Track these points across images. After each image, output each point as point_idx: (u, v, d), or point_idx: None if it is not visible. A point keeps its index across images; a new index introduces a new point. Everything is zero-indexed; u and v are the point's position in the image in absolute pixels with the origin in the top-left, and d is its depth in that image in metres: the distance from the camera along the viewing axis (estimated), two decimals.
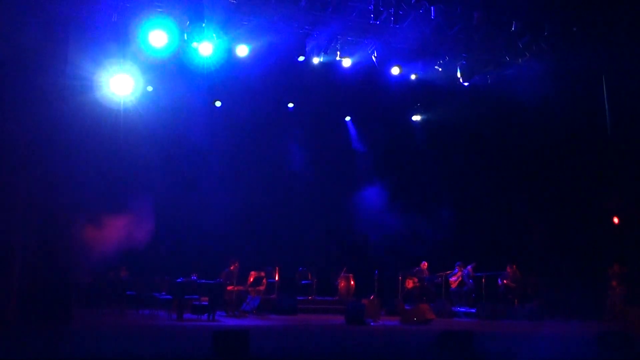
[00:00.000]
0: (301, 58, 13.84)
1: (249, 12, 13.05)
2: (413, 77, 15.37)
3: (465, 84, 15.24)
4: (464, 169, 18.09)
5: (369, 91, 16.75)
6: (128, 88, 13.49)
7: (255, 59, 13.89)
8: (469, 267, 16.90)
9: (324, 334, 11.62)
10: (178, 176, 16.77)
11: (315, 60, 14.54)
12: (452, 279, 17.14)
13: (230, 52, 13.59)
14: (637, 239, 15.22)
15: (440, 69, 15.19)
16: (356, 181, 18.79)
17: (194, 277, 13.34)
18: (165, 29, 12.55)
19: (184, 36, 12.71)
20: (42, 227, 10.74)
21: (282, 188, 18.47)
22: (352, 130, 19.85)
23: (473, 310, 15.75)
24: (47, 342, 8.75)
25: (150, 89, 15.49)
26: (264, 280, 15.22)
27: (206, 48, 12.96)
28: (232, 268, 14.67)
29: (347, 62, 14.52)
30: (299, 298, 15.91)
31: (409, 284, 17.14)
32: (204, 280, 13.33)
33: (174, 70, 14.45)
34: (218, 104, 17.20)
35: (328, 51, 14.27)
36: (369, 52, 14.47)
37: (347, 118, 19.73)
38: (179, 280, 13.19)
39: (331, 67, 14.90)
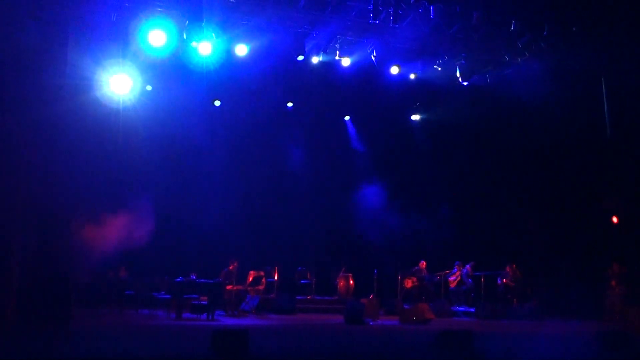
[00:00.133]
0: (300, 57, 13.80)
1: (248, 11, 13.03)
2: (412, 76, 15.33)
3: (465, 83, 15.23)
4: (463, 168, 18.12)
5: (368, 91, 16.73)
6: (127, 87, 13.47)
7: (254, 58, 13.86)
8: (468, 267, 16.92)
9: (323, 334, 11.64)
10: (177, 175, 16.74)
11: (315, 60, 14.51)
12: (451, 278, 17.14)
13: (229, 51, 13.55)
14: (637, 239, 15.25)
15: (439, 69, 15.18)
16: (355, 181, 18.74)
17: (193, 277, 13.33)
18: (165, 29, 12.52)
19: (183, 36, 12.68)
20: (42, 227, 10.72)
21: (281, 187, 18.44)
22: (351, 129, 19.82)
23: (472, 310, 15.76)
24: (46, 342, 8.74)
25: (149, 88, 15.48)
26: (263, 280, 15.24)
27: (205, 47, 12.92)
28: (231, 267, 14.68)
29: (346, 62, 14.49)
30: (298, 297, 15.92)
31: (408, 283, 17.15)
32: (203, 280, 13.34)
33: (173, 70, 14.43)
34: (217, 103, 17.15)
35: (327, 51, 14.26)
36: (368, 51, 14.44)
37: (347, 117, 19.70)
38: (178, 279, 13.21)
39: (330, 66, 14.87)
